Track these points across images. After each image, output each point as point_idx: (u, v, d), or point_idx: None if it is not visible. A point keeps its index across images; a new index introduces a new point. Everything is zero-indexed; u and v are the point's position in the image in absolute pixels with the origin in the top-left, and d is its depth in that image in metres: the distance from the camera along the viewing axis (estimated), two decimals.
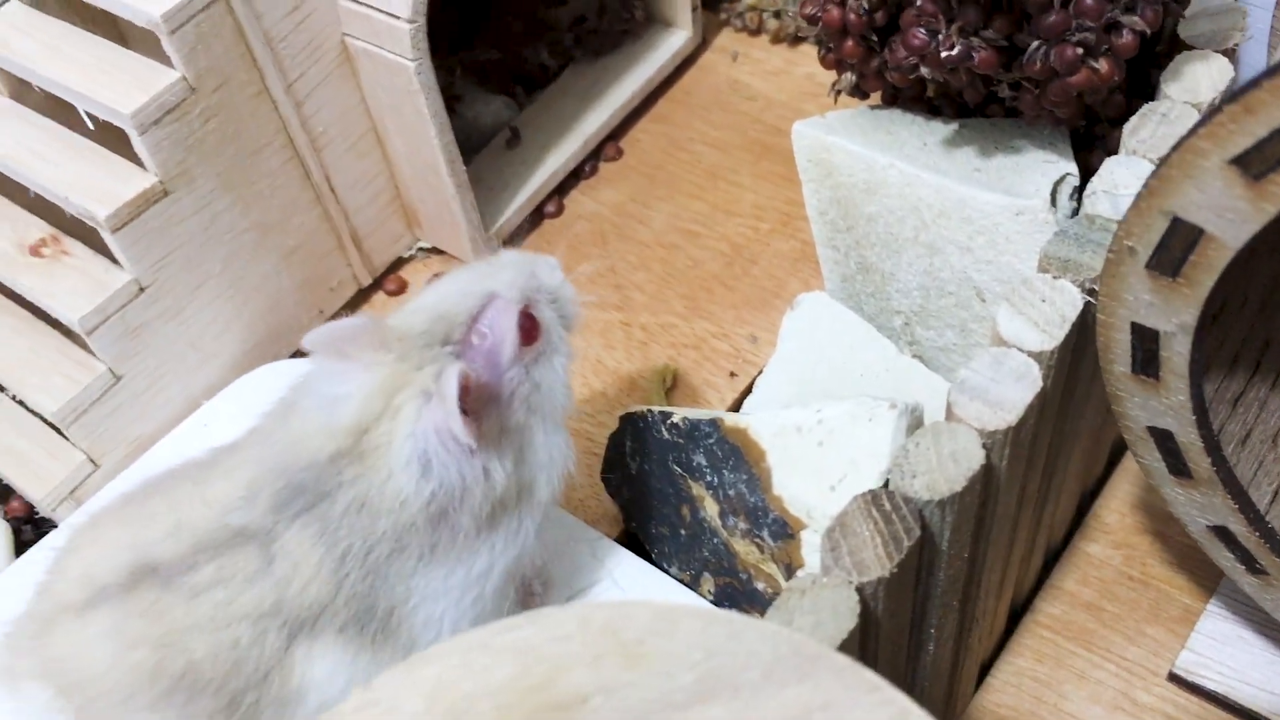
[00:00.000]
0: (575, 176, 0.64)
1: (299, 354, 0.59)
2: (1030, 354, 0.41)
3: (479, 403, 0.38)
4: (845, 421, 0.41)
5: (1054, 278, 0.43)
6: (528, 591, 0.43)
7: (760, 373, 0.55)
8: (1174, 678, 0.52)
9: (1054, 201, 0.48)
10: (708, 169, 0.63)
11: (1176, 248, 0.35)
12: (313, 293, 0.58)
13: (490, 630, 0.30)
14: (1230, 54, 0.48)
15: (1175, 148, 0.33)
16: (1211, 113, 0.31)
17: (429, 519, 0.37)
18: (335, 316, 0.60)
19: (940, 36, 0.44)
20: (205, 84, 0.48)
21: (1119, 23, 0.43)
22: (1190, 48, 0.49)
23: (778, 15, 0.68)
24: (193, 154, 0.49)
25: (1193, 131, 0.32)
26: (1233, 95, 0.30)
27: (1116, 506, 0.57)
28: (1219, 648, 0.52)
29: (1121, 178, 0.45)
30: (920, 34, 0.44)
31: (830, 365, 0.53)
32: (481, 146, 0.64)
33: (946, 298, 0.51)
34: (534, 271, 0.41)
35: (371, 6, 0.51)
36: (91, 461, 0.51)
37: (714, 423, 0.44)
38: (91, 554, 0.39)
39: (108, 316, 0.49)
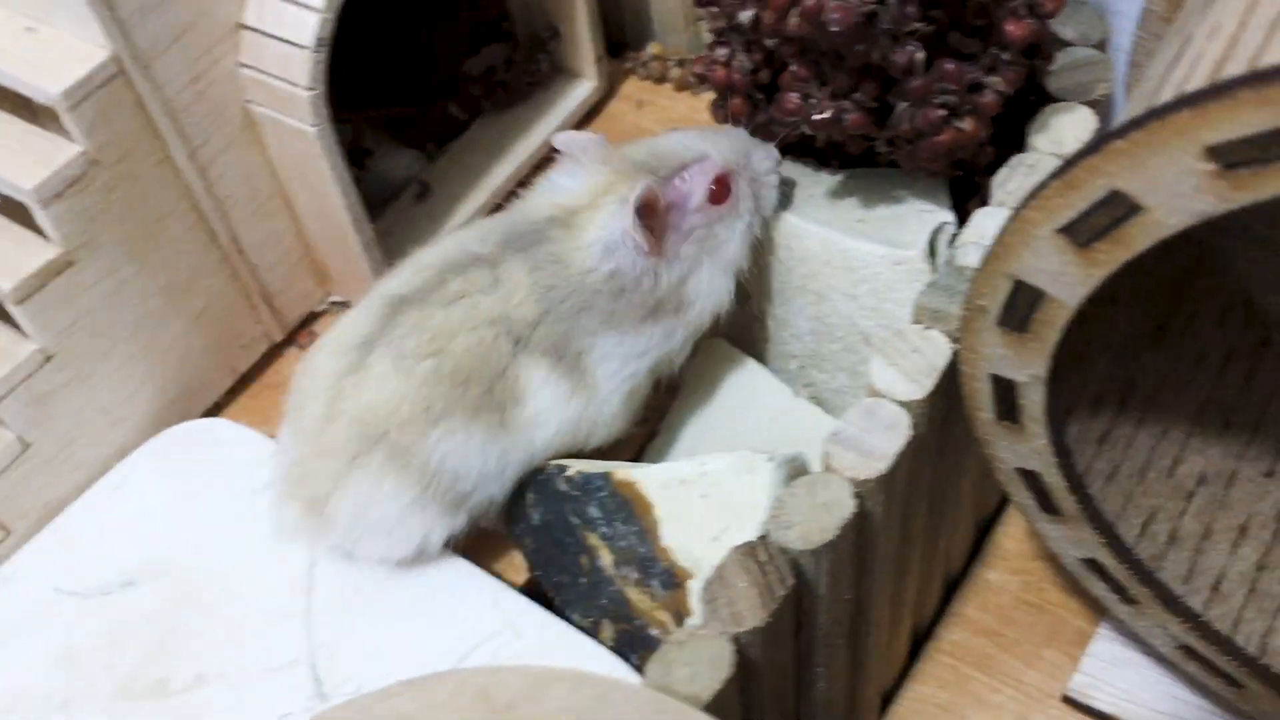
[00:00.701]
0: None
1: (212, 411, 0.60)
2: (901, 403, 0.43)
3: (659, 223, 0.48)
4: (727, 474, 0.43)
5: (925, 328, 0.45)
6: (657, 389, 0.54)
7: (663, 418, 0.56)
8: (1067, 700, 0.54)
9: (934, 250, 0.51)
10: None
11: (1021, 306, 0.37)
12: (224, 351, 0.59)
13: (370, 698, 0.32)
14: (1096, 105, 0.51)
15: (1012, 217, 0.35)
16: (1040, 186, 0.33)
17: (610, 291, 0.48)
18: (248, 373, 0.61)
19: (813, 101, 0.46)
20: (107, 156, 0.50)
21: (982, 83, 0.46)
22: (1058, 99, 0.51)
23: (681, 64, 0.70)
24: (96, 224, 0.50)
25: (1025, 203, 0.34)
26: (1057, 171, 0.32)
27: (1014, 533, 0.59)
28: (1109, 669, 0.54)
29: (989, 229, 0.47)
30: (794, 99, 0.46)
31: (730, 411, 0.55)
32: (392, 199, 0.65)
33: (836, 343, 0.53)
34: (749, 151, 0.51)
35: (271, 75, 0.52)
36: (3, 528, 0.52)
37: (605, 476, 0.45)
38: (336, 327, 0.50)
39: (14, 387, 0.50)
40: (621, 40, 0.73)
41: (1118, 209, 0.31)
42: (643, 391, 0.52)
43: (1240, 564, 0.48)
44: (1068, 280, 0.35)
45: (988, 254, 0.36)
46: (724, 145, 0.50)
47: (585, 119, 0.70)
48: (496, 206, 0.65)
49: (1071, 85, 0.51)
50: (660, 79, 0.71)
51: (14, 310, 0.49)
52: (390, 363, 0.47)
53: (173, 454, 0.55)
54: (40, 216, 0.49)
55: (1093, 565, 0.46)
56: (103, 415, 0.54)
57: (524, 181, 0.67)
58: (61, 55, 0.48)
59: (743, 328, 0.57)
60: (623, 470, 0.45)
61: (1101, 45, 0.53)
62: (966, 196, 0.54)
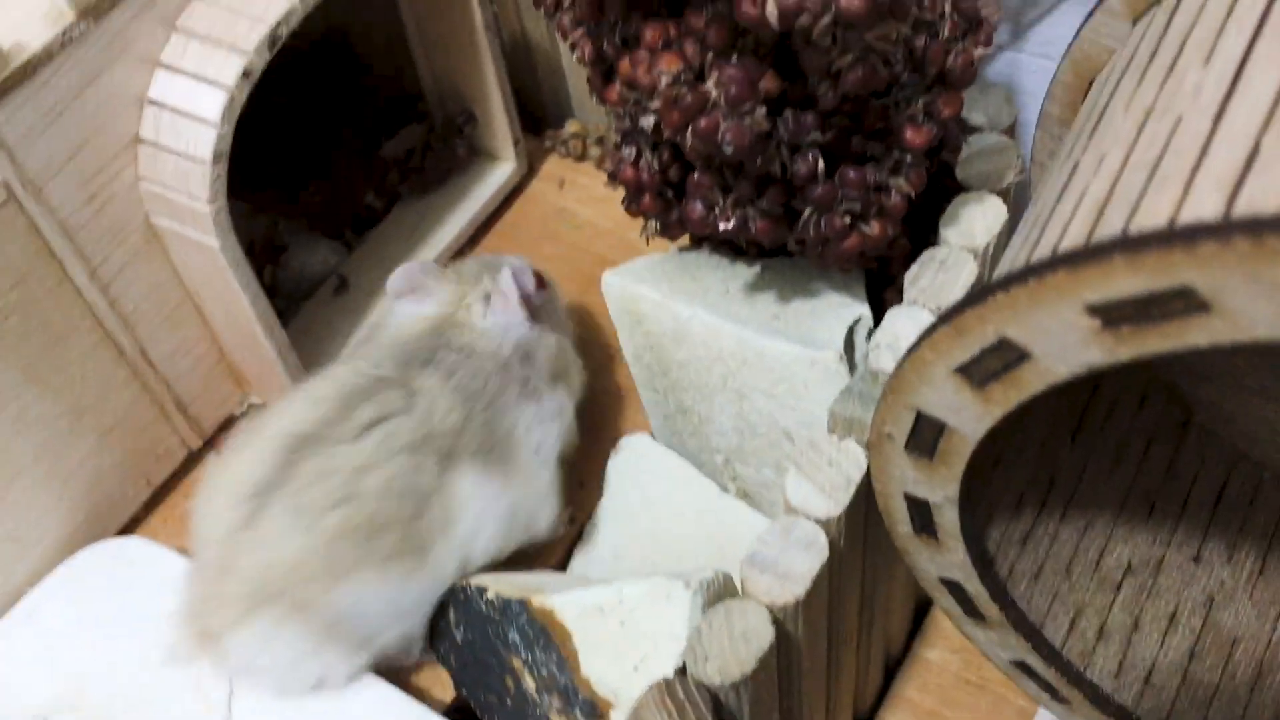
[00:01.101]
0: None
1: (129, 526, 0.58)
2: (817, 521, 0.42)
3: (527, 302, 0.53)
4: (644, 601, 0.42)
5: (840, 438, 0.44)
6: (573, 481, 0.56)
7: (590, 518, 0.55)
8: None
9: (851, 342, 0.50)
10: None
11: (927, 435, 0.36)
12: (138, 464, 0.57)
13: None
14: (1005, 193, 0.50)
15: (908, 354, 0.34)
16: (932, 328, 0.33)
17: (520, 360, 0.51)
18: (166, 483, 0.59)
19: (718, 209, 0.45)
20: (1, 283, 0.48)
21: (886, 185, 0.45)
22: (967, 188, 0.51)
23: (600, 142, 0.69)
24: None
25: (919, 342, 0.33)
26: (947, 314, 0.32)
27: None
28: None
29: (903, 329, 0.46)
30: (699, 208, 0.46)
31: (656, 508, 0.55)
32: (310, 294, 0.64)
33: (759, 438, 0.53)
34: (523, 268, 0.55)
35: (171, 189, 0.51)
36: None
37: (523, 603, 0.44)
38: (232, 471, 0.47)
39: None
40: (540, 117, 0.72)
41: (1008, 354, 0.31)
42: (561, 469, 0.54)
43: (1171, 654, 0.48)
44: (968, 415, 0.34)
45: (890, 384, 0.36)
46: (514, 260, 0.56)
47: (506, 201, 0.69)
48: None
49: (980, 173, 0.50)
50: (581, 156, 0.70)
51: None
52: (290, 517, 0.45)
53: (86, 578, 0.54)
54: None
55: (1022, 666, 0.46)
56: (11, 543, 0.53)
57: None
58: None
59: (668, 422, 0.56)
60: (539, 596, 0.44)
61: (1010, 130, 0.53)
62: (883, 284, 0.53)
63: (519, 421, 0.51)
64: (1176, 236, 0.25)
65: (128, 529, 0.58)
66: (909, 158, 0.45)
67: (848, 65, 0.39)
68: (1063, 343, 0.29)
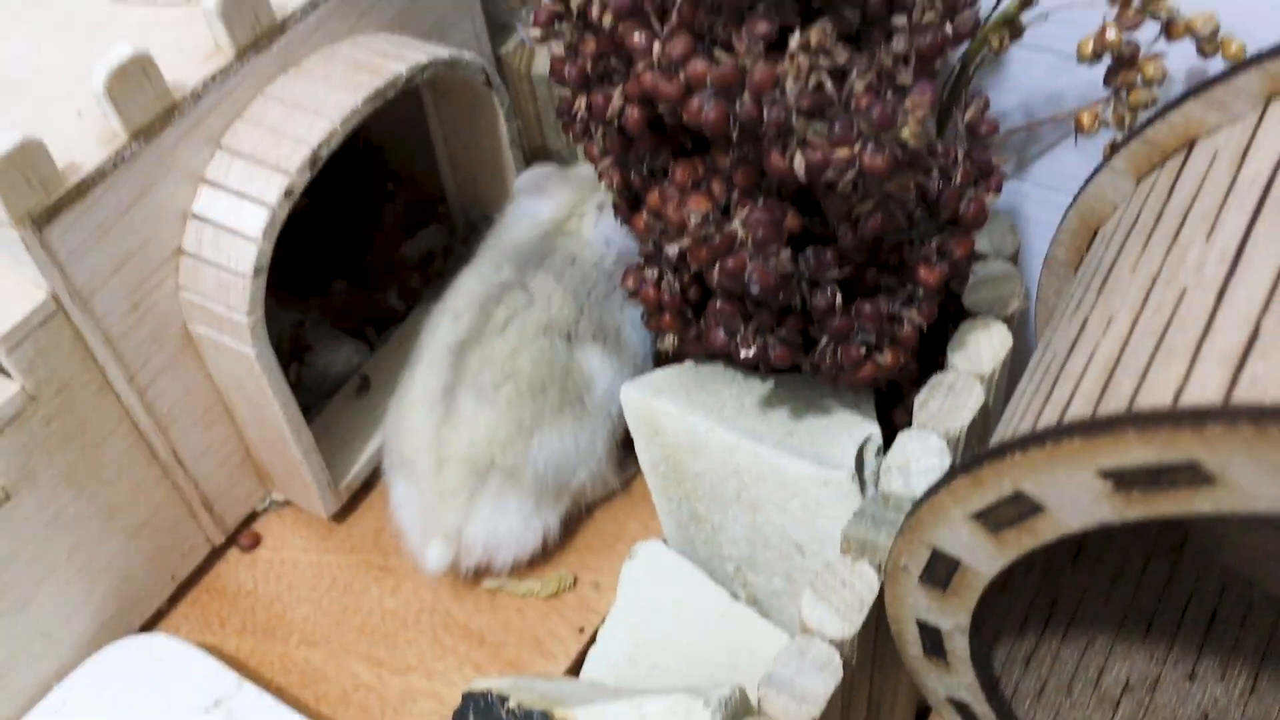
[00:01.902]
0: None
1: (153, 621, 0.60)
2: (832, 642, 0.44)
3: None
4: (664, 717, 0.44)
5: (853, 560, 0.46)
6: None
7: (603, 622, 0.57)
8: None
9: (861, 459, 0.52)
10: None
11: (941, 570, 0.38)
12: (164, 561, 0.59)
13: None
14: (1010, 320, 0.53)
15: (926, 497, 0.36)
16: (951, 475, 0.35)
17: (621, 267, 0.55)
18: (189, 579, 0.61)
19: (739, 336, 0.48)
20: (45, 391, 0.50)
21: (899, 316, 0.47)
22: (974, 314, 0.53)
23: None
24: (35, 457, 0.51)
25: (939, 487, 0.35)
26: (966, 465, 0.34)
27: None
28: None
29: (913, 453, 0.49)
30: (720, 335, 0.48)
31: (668, 614, 0.56)
32: (333, 392, 0.66)
33: (771, 549, 0.54)
34: None
35: (211, 299, 0.53)
36: None
37: (545, 715, 0.46)
38: (417, 388, 0.58)
39: None
40: None
41: (1023, 506, 0.33)
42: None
43: None
44: (982, 556, 0.36)
45: (908, 521, 0.38)
46: None
47: None
48: None
49: (987, 300, 0.53)
50: None
51: None
52: (474, 400, 0.56)
53: (112, 673, 0.55)
54: None
55: None
56: (41, 638, 0.54)
57: None
58: None
59: (681, 529, 0.58)
60: (561, 709, 0.46)
61: (1014, 258, 0.56)
62: (891, 402, 0.55)
63: (624, 320, 0.59)
64: (1186, 417, 0.27)
65: (151, 623, 0.59)
66: (921, 291, 0.47)
67: (867, 212, 0.42)
68: (1076, 500, 0.31)
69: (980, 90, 0.55)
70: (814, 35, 0.36)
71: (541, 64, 0.68)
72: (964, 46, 0.50)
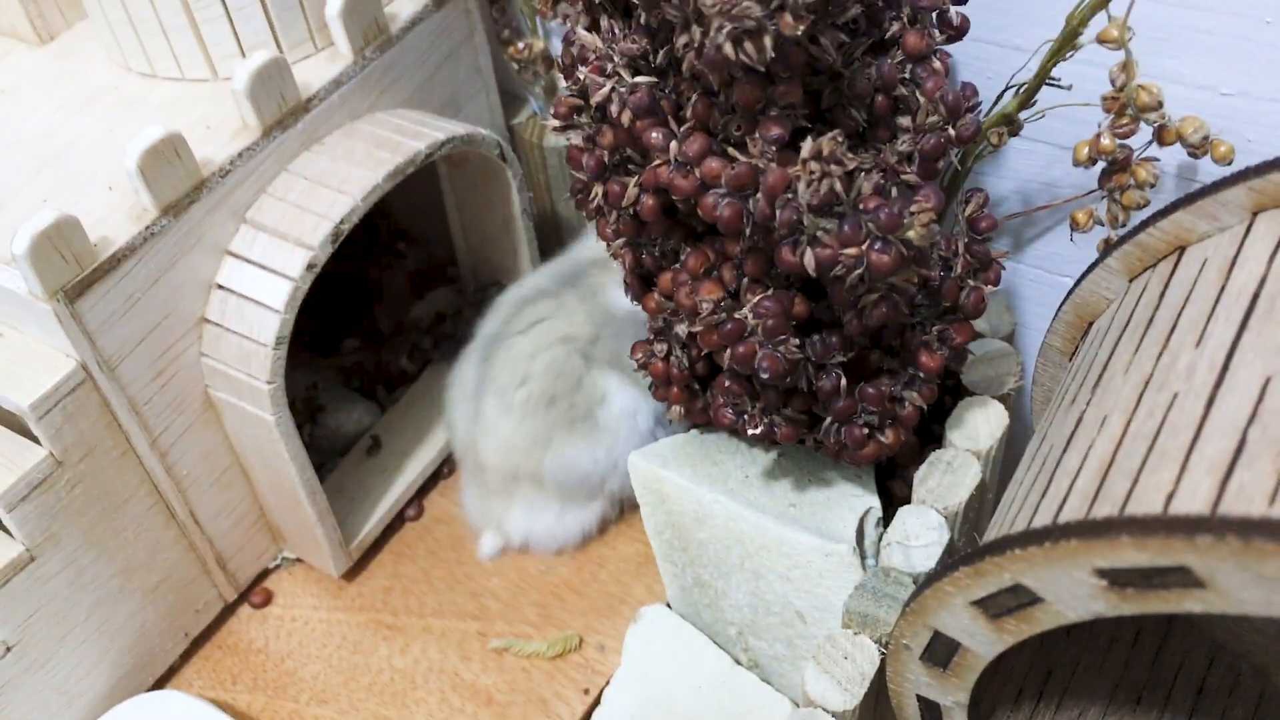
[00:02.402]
0: (434, 477, 0.68)
1: (167, 676, 0.61)
2: (834, 714, 0.45)
3: None
4: None
5: (855, 633, 0.48)
6: None
7: (608, 683, 0.58)
8: None
9: (861, 531, 0.54)
10: None
11: (941, 651, 0.40)
12: (179, 618, 0.60)
13: None
14: (1006, 398, 0.55)
15: (929, 582, 0.38)
16: (954, 565, 0.36)
17: (631, 321, 0.59)
18: (201, 636, 0.62)
19: (746, 416, 0.49)
20: (72, 456, 0.51)
21: (901, 397, 0.49)
22: (972, 392, 0.55)
23: None
24: (59, 520, 0.52)
25: (942, 574, 0.37)
26: (968, 557, 0.36)
27: None
28: None
29: (913, 528, 0.50)
30: (728, 414, 0.50)
31: (671, 678, 0.58)
32: (345, 451, 0.68)
33: (773, 616, 0.56)
34: None
35: (233, 367, 0.55)
36: None
37: None
38: (461, 377, 0.63)
39: None
40: None
41: (1023, 596, 0.35)
42: None
43: None
44: (982, 640, 0.38)
45: (911, 605, 0.39)
46: None
47: None
48: (444, 461, 0.68)
49: (984, 378, 0.55)
50: None
51: None
52: (495, 403, 0.60)
53: None
54: (5, 519, 0.50)
55: None
56: (58, 695, 0.55)
57: None
58: (29, 364, 0.50)
59: (685, 593, 0.60)
60: None
61: (1010, 337, 0.58)
62: (889, 474, 0.57)
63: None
64: (1178, 525, 0.29)
65: (164, 679, 0.61)
66: (922, 375, 0.49)
67: (871, 303, 0.43)
68: (1073, 594, 0.33)
69: (979, 181, 0.57)
70: (825, 145, 0.38)
71: (553, 135, 0.70)
72: None
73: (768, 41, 0.36)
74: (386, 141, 0.57)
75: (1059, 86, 0.49)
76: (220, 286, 0.55)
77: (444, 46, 0.63)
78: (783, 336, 0.44)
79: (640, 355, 0.55)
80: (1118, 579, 0.31)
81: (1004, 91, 0.51)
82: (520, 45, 0.66)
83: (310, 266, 0.54)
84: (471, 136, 0.60)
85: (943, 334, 0.48)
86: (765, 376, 0.44)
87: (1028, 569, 0.33)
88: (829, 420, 0.49)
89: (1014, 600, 0.35)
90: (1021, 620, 0.36)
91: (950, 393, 0.56)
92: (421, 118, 0.60)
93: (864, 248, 0.40)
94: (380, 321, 0.74)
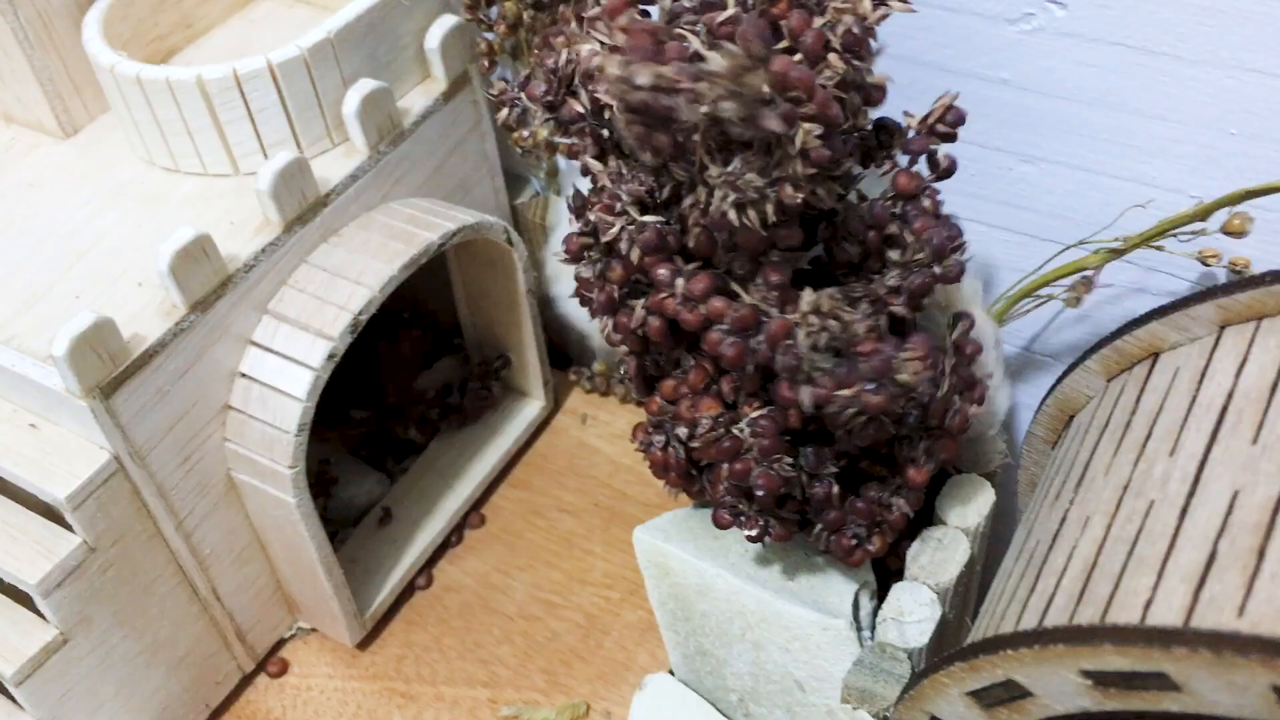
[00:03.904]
0: (443, 546, 0.70)
1: None
2: None
3: None
4: None
5: (854, 709, 0.50)
6: None
7: None
8: None
9: (857, 605, 0.56)
10: (563, 536, 0.70)
11: None
12: (200, 690, 0.62)
13: None
14: (992, 476, 0.57)
15: (929, 672, 0.41)
16: (949, 658, 0.39)
17: None
18: (220, 707, 0.64)
19: (742, 518, 0.52)
20: (104, 542, 0.54)
21: (889, 503, 0.52)
22: (959, 470, 0.58)
23: (624, 380, 0.76)
24: (91, 603, 0.54)
25: (939, 666, 0.40)
26: (962, 652, 0.38)
27: None
28: None
29: (907, 604, 0.53)
30: (725, 516, 0.52)
31: None
32: (357, 521, 0.70)
33: (773, 685, 0.59)
34: None
35: (256, 452, 0.57)
36: None
37: None
38: None
39: None
40: (566, 354, 0.79)
41: (1014, 690, 0.37)
42: None
43: None
44: None
45: (910, 692, 0.42)
46: None
47: (534, 434, 0.75)
48: (452, 531, 0.70)
49: (972, 458, 0.58)
50: (605, 392, 0.77)
51: (14, 690, 0.53)
52: None
53: None
54: (41, 604, 0.52)
55: None
56: None
57: (476, 505, 0.72)
58: (64, 455, 0.53)
59: (687, 660, 0.62)
60: None
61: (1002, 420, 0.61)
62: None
63: None
64: (1156, 637, 0.32)
65: None
66: (909, 486, 0.51)
67: (860, 425, 0.46)
68: (1061, 690, 0.36)
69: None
70: (825, 303, 0.41)
71: (555, 214, 0.73)
72: None
73: (770, 208, 0.39)
74: (401, 233, 0.60)
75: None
76: (244, 375, 0.57)
77: (453, 136, 0.66)
78: (777, 455, 0.46)
79: (639, 442, 0.58)
80: (1102, 679, 0.34)
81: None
82: (525, 134, 0.69)
83: (331, 356, 0.56)
84: (480, 225, 0.63)
85: (929, 450, 0.50)
86: (761, 494, 0.47)
87: (1019, 667, 0.36)
88: (818, 528, 0.52)
89: (1006, 693, 0.38)
90: (1014, 711, 0.38)
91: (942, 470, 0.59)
92: (433, 206, 0.63)
93: (857, 390, 0.42)
94: (388, 391, 0.77)
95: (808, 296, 0.41)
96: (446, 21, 0.63)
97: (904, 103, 0.46)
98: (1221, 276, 0.52)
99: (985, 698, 0.39)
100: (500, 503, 0.73)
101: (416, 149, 0.63)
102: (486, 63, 0.65)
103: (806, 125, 0.37)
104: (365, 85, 0.59)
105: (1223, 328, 0.41)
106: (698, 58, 0.37)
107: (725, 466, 0.47)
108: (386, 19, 0.60)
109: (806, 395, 0.41)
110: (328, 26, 0.58)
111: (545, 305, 0.76)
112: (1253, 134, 0.48)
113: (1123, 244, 0.48)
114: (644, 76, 0.36)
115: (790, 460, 0.46)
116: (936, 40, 0.53)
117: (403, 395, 0.76)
